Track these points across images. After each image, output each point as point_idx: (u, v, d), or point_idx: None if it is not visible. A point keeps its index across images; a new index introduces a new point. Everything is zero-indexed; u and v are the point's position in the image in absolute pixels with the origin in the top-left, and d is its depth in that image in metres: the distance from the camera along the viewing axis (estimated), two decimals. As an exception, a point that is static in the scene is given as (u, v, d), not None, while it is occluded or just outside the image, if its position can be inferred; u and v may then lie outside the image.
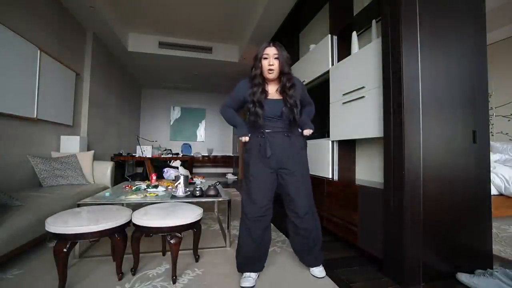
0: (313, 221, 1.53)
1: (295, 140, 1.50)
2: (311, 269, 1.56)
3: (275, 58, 1.39)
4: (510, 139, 3.73)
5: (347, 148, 2.37)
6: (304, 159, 1.54)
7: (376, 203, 1.66)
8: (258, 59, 1.42)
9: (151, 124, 7.64)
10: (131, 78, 6.32)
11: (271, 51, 1.39)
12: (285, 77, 1.42)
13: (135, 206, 1.84)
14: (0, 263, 1.49)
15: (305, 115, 1.59)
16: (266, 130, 1.46)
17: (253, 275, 1.44)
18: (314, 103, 1.67)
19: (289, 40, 3.70)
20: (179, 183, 2.03)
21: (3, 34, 2.29)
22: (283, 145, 1.46)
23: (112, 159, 4.40)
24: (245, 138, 1.49)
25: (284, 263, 1.69)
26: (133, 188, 2.29)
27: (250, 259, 1.45)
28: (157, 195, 2.06)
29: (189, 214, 1.51)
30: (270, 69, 1.39)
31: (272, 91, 1.47)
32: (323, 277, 1.50)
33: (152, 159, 4.57)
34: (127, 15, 4.04)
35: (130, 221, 1.49)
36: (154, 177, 2.58)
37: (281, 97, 1.45)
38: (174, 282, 1.41)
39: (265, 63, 1.40)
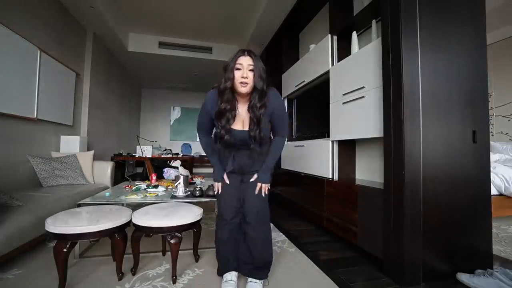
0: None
1: (260, 156, 1.40)
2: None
3: (250, 70, 1.20)
4: (510, 139, 3.73)
5: (347, 148, 2.37)
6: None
7: (376, 203, 1.66)
8: (229, 69, 1.21)
9: (151, 124, 7.64)
10: (131, 78, 6.31)
11: (245, 61, 1.19)
12: (256, 95, 1.24)
13: (135, 206, 1.84)
14: (0, 263, 1.49)
15: (270, 158, 1.39)
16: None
17: (234, 277, 1.40)
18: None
19: (289, 40, 3.70)
20: (179, 183, 2.04)
21: (3, 34, 2.29)
22: (247, 159, 1.39)
23: (112, 159, 4.39)
24: (218, 185, 1.44)
25: (286, 263, 1.69)
26: (133, 188, 2.29)
27: (225, 257, 1.43)
28: (157, 195, 2.06)
29: (189, 214, 1.51)
30: (243, 82, 1.19)
31: (243, 111, 1.31)
32: None
33: (152, 159, 4.57)
34: (127, 15, 4.04)
35: (130, 221, 1.49)
36: (154, 177, 2.58)
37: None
38: (174, 282, 1.41)
39: (237, 74, 1.20)
